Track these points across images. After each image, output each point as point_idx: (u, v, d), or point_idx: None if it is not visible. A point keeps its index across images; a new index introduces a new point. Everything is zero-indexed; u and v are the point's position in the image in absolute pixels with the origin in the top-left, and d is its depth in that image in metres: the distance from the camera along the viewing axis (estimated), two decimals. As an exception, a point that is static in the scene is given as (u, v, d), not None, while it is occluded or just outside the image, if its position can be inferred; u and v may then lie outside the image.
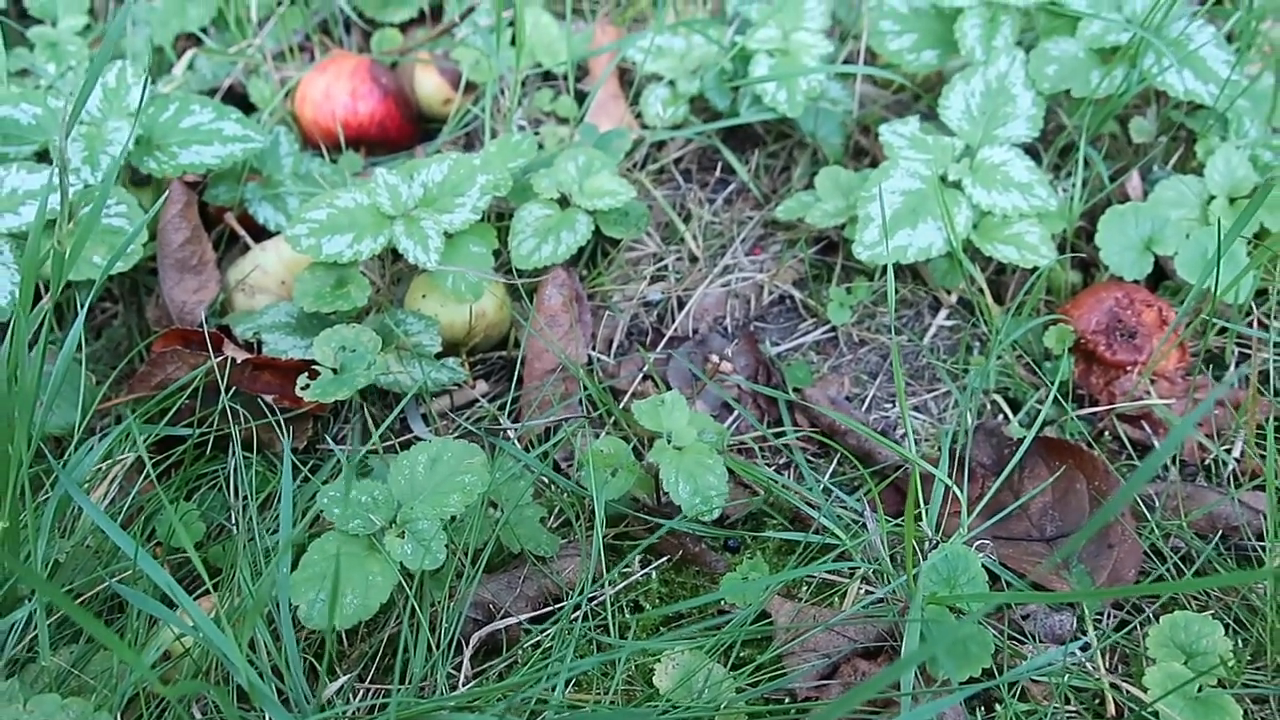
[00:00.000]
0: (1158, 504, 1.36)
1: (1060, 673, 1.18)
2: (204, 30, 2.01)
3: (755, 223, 1.75)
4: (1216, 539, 1.35)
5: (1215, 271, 1.37)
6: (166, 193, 1.55)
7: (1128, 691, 1.19)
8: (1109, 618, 1.27)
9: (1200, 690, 1.12)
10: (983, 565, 1.21)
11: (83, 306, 1.23)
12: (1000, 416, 1.50)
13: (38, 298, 1.39)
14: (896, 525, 1.35)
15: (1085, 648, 1.23)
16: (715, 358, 1.57)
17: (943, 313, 1.63)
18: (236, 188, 1.67)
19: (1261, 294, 1.57)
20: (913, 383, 1.57)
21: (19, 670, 1.14)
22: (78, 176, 1.48)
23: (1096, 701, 1.19)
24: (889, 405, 1.55)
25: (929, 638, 1.11)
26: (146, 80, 1.45)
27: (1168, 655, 1.15)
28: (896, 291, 1.65)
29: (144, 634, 1.17)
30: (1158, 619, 1.19)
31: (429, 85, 1.91)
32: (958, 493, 1.28)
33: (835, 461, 1.47)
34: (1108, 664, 1.24)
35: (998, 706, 1.16)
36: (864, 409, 1.54)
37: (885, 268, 1.63)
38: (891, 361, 1.58)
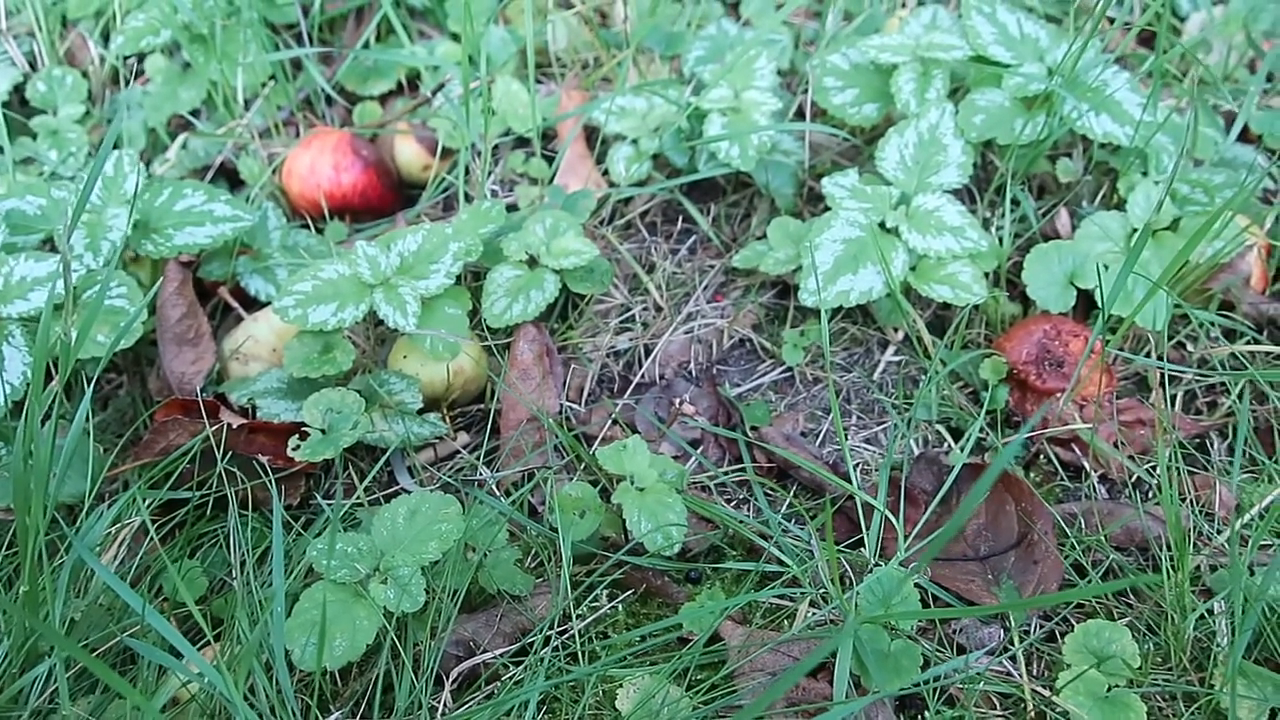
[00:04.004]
0: (1081, 521, 1.47)
1: (974, 679, 1.29)
2: (195, 112, 2.14)
3: (716, 270, 1.87)
4: (1135, 551, 1.46)
5: (1102, 300, 1.49)
6: (164, 275, 1.68)
7: (1048, 696, 1.30)
8: (1036, 629, 1.38)
9: (1109, 690, 1.23)
10: (920, 585, 1.32)
11: (90, 382, 1.36)
12: (944, 445, 1.62)
13: (49, 375, 1.51)
14: (844, 551, 1.46)
15: (991, 653, 1.34)
16: (678, 402, 1.68)
17: (890, 349, 1.75)
18: (229, 263, 1.79)
19: (1185, 319, 1.68)
20: (864, 416, 1.68)
21: (43, 720, 1.26)
22: (80, 262, 1.61)
23: (1021, 707, 1.30)
24: (841, 438, 1.66)
25: (861, 652, 1.22)
26: (139, 171, 1.58)
27: (1082, 660, 1.25)
28: (846, 331, 1.77)
29: (154, 682, 1.28)
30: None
31: (408, 153, 2.04)
32: (892, 520, 1.39)
33: (792, 493, 1.58)
34: (1035, 672, 1.35)
35: (926, 713, 1.27)
36: (818, 442, 1.65)
37: (833, 310, 1.75)
38: (844, 397, 1.70)
